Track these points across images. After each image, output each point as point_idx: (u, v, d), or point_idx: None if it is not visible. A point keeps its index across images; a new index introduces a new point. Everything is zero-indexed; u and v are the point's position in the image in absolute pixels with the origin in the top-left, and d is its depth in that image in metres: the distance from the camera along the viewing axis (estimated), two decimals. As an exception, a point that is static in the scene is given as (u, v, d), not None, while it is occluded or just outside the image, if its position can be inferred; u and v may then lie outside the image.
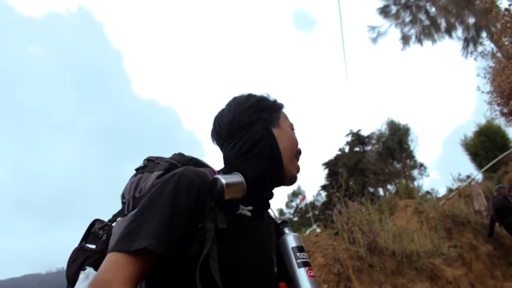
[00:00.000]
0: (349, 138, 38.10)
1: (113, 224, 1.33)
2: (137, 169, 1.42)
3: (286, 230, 1.34)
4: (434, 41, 12.91)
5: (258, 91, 1.45)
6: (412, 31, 14.13)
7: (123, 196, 1.38)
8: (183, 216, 1.05)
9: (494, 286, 7.67)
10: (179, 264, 1.06)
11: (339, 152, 37.96)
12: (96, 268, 1.15)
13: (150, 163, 1.40)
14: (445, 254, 7.09)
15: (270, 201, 1.38)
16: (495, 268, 8.29)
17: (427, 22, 14.19)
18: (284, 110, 1.44)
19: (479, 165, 21.97)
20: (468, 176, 20.99)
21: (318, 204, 38.13)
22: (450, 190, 20.18)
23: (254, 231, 1.21)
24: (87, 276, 1.16)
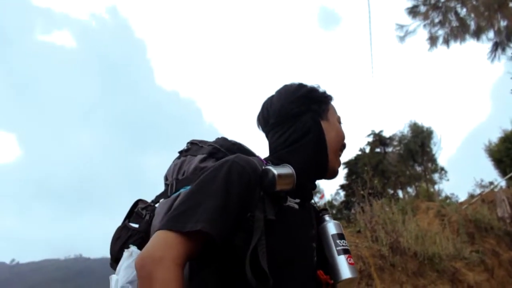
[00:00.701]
0: (370, 139, 37.77)
1: (156, 205, 1.36)
2: (180, 152, 1.44)
3: (327, 218, 1.35)
4: (462, 40, 12.69)
5: (307, 81, 1.46)
6: (440, 32, 13.91)
7: (166, 178, 1.41)
8: (234, 203, 1.07)
9: (515, 293, 7.57)
10: (225, 251, 1.08)
11: (360, 152, 37.67)
12: (139, 247, 1.19)
13: (193, 146, 1.41)
14: (467, 259, 7.01)
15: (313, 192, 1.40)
16: (518, 276, 8.18)
17: (456, 24, 13.95)
18: (333, 103, 1.44)
19: (503, 172, 21.57)
20: (491, 183, 20.68)
21: (336, 203, 37.94)
22: (471, 196, 19.89)
23: (300, 224, 1.22)
24: (130, 253, 1.19)
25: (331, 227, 1.32)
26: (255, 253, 1.04)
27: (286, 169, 1.16)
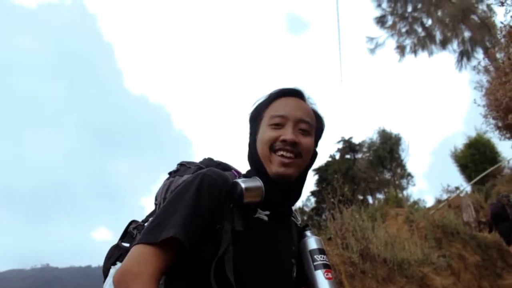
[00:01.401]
0: (340, 145, 38.23)
1: (145, 224, 1.38)
2: (170, 173, 1.48)
3: (308, 233, 1.38)
4: (429, 53, 13.05)
5: (258, 90, 1.44)
6: (408, 42, 14.28)
7: (155, 198, 1.45)
8: (204, 212, 1.11)
9: (481, 296, 7.79)
10: (195, 263, 1.11)
11: (330, 159, 38.08)
12: None
13: (182, 167, 1.46)
14: (434, 263, 7.18)
15: (291, 207, 1.42)
16: (483, 279, 8.41)
17: (423, 34, 14.36)
18: (276, 100, 1.39)
19: (468, 177, 22.26)
20: (457, 188, 21.28)
21: (307, 209, 38.15)
22: (438, 201, 20.40)
23: (270, 236, 1.24)
24: (116, 269, 1.21)
25: (311, 242, 1.34)
26: (221, 262, 1.07)
27: (254, 182, 1.20)
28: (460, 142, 25.46)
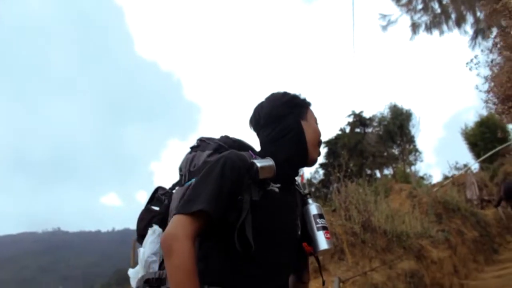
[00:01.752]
0: (350, 119, 38.28)
1: (173, 191, 1.75)
2: (191, 147, 1.82)
3: (310, 201, 1.73)
4: (442, 32, 13.05)
5: (289, 87, 1.81)
6: (423, 19, 14.24)
7: (180, 169, 1.78)
8: (227, 188, 1.44)
9: (475, 269, 8.19)
10: (222, 227, 1.45)
11: (340, 132, 38.23)
12: (160, 226, 1.62)
13: (202, 143, 1.80)
14: (433, 237, 7.55)
15: (296, 178, 1.79)
16: (479, 253, 8.81)
17: (438, 11, 14.28)
18: (312, 108, 1.80)
19: (477, 155, 22.23)
20: (465, 165, 21.43)
21: (315, 181, 38.61)
22: (446, 177, 20.67)
23: (281, 203, 1.59)
24: (154, 231, 1.61)
25: (313, 208, 1.70)
26: (242, 226, 1.41)
27: (268, 162, 1.54)
28: (471, 119, 25.37)
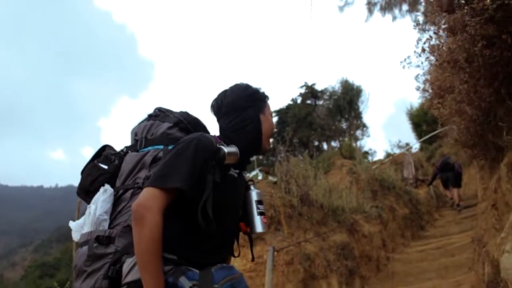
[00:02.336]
0: (303, 90, 38.67)
1: (127, 154, 1.84)
2: (149, 115, 1.94)
3: (252, 187, 1.93)
4: (394, 17, 13.39)
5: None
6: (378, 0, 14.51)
7: (135, 134, 1.89)
8: (198, 169, 1.58)
9: (402, 243, 8.80)
10: (185, 203, 1.61)
11: (291, 102, 38.61)
12: (109, 183, 1.74)
13: (161, 113, 1.92)
14: (366, 212, 8.01)
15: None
16: (407, 229, 9.44)
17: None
18: (268, 102, 1.96)
19: (419, 136, 23.22)
20: (407, 144, 22.39)
21: (264, 149, 38.91)
22: (388, 155, 21.53)
23: (236, 186, 1.78)
24: (105, 190, 1.71)
25: (254, 195, 1.91)
26: (204, 204, 1.57)
27: (233, 149, 1.71)
28: (417, 101, 26.25)
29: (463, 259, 6.28)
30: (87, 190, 1.78)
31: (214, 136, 1.76)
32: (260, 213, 1.87)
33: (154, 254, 1.44)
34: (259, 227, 1.85)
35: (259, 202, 1.89)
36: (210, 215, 1.56)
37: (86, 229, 1.67)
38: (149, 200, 1.48)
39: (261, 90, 1.92)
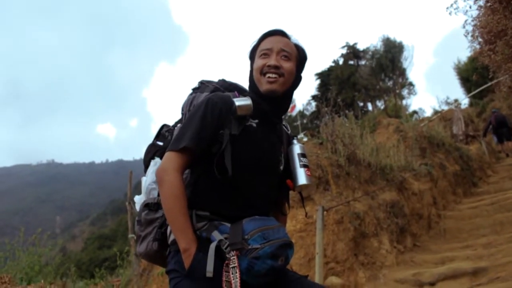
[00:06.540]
0: (344, 51, 37.87)
1: (175, 128, 1.96)
2: (193, 89, 2.00)
3: (294, 141, 1.94)
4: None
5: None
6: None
7: (182, 109, 1.99)
8: (209, 125, 1.65)
9: (453, 201, 8.62)
10: (208, 158, 1.67)
11: (333, 64, 37.93)
12: (161, 158, 1.81)
13: (202, 85, 1.99)
14: (415, 170, 7.86)
15: (281, 117, 1.93)
16: (458, 186, 9.21)
17: None
18: (264, 39, 1.85)
19: (468, 91, 22.35)
20: (456, 100, 21.59)
21: (307, 113, 38.77)
22: (436, 112, 20.87)
23: (260, 137, 1.77)
24: (155, 163, 1.87)
25: (297, 148, 1.91)
26: (222, 155, 1.63)
27: (245, 101, 1.73)
28: (464, 54, 25.10)
29: (520, 213, 6.10)
30: (147, 166, 1.93)
31: (234, 93, 1.83)
32: (304, 165, 1.86)
33: (178, 211, 1.55)
34: (302, 179, 1.83)
35: (302, 155, 1.89)
36: (227, 165, 1.61)
37: (142, 200, 1.85)
38: (165, 163, 1.63)
39: (255, 42, 1.89)
